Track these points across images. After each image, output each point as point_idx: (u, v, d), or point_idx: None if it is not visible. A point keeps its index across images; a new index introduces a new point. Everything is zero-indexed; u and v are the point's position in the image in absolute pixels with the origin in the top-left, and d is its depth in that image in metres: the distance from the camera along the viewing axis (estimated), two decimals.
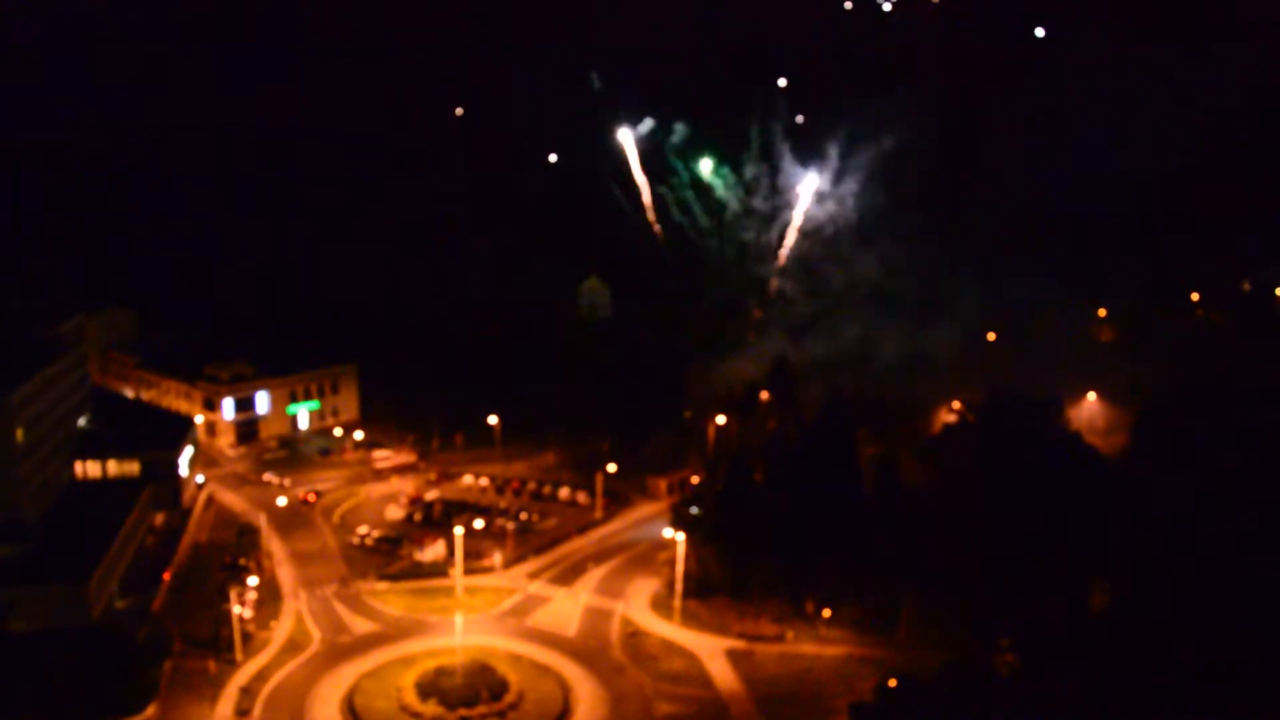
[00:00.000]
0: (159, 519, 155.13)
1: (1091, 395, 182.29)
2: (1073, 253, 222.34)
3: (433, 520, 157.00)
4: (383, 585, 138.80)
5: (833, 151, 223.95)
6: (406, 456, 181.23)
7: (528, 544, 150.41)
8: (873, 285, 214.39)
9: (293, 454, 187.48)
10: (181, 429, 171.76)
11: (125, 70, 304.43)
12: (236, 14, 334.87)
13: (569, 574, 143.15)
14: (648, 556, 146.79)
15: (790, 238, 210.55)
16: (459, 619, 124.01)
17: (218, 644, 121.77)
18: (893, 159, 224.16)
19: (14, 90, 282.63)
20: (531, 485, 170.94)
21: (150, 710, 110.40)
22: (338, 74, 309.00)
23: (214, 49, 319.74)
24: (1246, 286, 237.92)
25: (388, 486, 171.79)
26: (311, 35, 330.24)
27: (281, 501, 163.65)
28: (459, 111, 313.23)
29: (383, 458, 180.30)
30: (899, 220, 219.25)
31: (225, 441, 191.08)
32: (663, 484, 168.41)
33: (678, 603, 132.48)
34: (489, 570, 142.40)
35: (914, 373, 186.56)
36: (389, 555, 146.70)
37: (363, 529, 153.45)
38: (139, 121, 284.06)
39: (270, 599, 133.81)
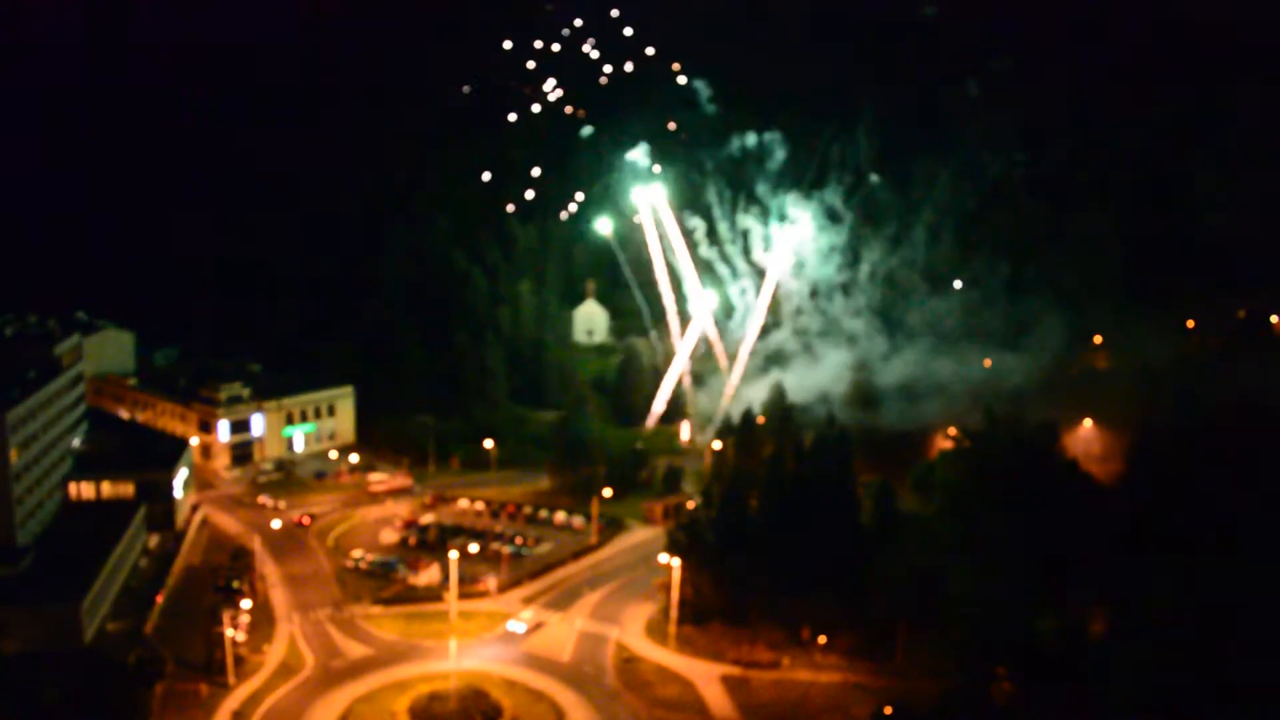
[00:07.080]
0: (152, 541, 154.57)
1: (1088, 422, 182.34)
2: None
3: (428, 544, 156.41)
4: (377, 609, 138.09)
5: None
6: (402, 480, 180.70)
7: (523, 568, 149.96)
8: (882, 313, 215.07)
9: (288, 477, 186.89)
10: (176, 451, 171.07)
11: (120, 81, 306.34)
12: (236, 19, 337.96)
13: (564, 599, 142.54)
14: (643, 582, 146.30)
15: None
16: (453, 644, 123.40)
17: (210, 667, 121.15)
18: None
19: (11, 100, 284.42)
20: (527, 509, 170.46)
21: None
22: (336, 92, 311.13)
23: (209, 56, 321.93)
24: (1242, 314, 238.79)
25: (383, 510, 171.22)
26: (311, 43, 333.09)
27: (276, 524, 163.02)
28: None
29: (378, 481, 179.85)
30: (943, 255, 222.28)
31: (220, 463, 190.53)
32: (658, 509, 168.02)
33: (673, 629, 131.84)
34: (483, 595, 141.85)
35: (914, 400, 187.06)
36: (383, 579, 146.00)
37: (357, 552, 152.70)
38: (136, 132, 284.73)
39: (263, 622, 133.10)
